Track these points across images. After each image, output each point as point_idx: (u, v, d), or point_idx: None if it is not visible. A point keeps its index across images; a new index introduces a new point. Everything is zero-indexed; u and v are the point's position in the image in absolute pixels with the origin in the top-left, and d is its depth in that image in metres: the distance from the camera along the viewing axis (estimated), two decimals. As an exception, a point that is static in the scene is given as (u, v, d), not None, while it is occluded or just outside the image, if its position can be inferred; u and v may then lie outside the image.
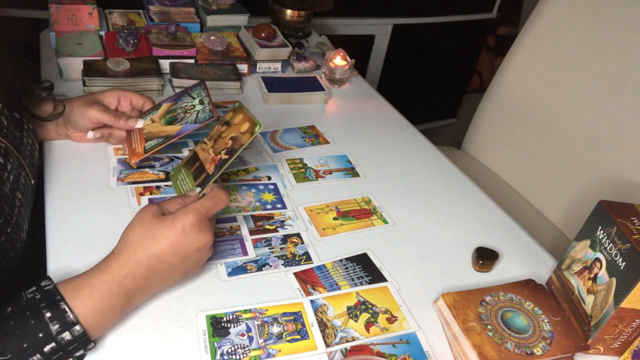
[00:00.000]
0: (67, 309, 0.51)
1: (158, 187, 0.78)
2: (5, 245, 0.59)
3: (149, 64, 1.04)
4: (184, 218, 0.58)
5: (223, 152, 0.68)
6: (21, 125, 0.72)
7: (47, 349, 0.50)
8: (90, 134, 0.83)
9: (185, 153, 0.87)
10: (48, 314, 0.50)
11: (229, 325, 0.61)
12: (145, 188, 0.78)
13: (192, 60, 1.11)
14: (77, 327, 0.51)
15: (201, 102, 0.83)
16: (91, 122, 0.80)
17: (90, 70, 0.98)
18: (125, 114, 0.82)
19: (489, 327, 0.62)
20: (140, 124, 0.82)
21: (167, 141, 0.79)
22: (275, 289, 0.66)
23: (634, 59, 1.04)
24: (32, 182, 0.70)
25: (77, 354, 0.52)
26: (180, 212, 0.58)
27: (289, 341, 0.60)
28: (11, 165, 0.64)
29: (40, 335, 0.49)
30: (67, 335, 0.51)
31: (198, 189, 0.66)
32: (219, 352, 0.57)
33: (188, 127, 0.80)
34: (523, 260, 0.78)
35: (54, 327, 0.50)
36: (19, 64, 0.74)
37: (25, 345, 0.49)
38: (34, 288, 0.52)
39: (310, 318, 0.63)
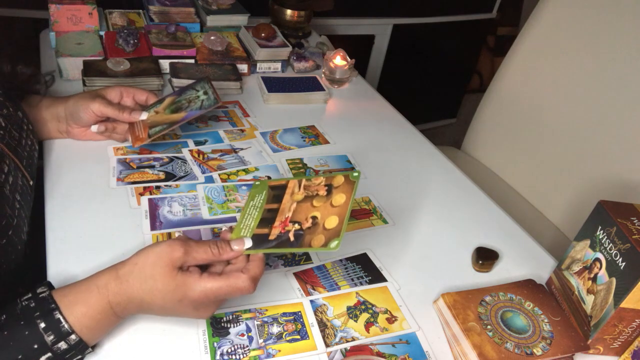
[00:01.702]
0: (61, 318, 0.50)
1: (158, 187, 0.79)
2: (7, 248, 0.59)
3: (149, 64, 1.04)
4: (189, 291, 0.53)
5: (295, 227, 0.57)
6: (21, 125, 0.72)
7: (43, 359, 0.49)
8: (94, 127, 0.83)
9: (185, 153, 0.87)
10: (42, 325, 0.49)
11: (228, 325, 0.61)
12: (145, 188, 0.78)
13: (192, 60, 1.11)
14: (73, 337, 0.50)
15: (205, 93, 0.85)
16: (95, 115, 0.81)
17: (90, 70, 0.98)
18: (129, 107, 0.83)
19: (488, 327, 0.62)
20: (144, 116, 0.84)
21: (172, 126, 0.80)
22: (275, 289, 0.66)
23: (634, 59, 1.04)
24: (31, 183, 0.70)
25: (75, 359, 0.52)
26: (191, 279, 0.53)
27: (289, 341, 0.60)
28: (8, 167, 0.64)
29: (35, 346, 0.49)
30: (63, 345, 0.50)
31: (249, 244, 0.57)
32: (218, 352, 0.57)
33: (193, 113, 0.82)
34: (523, 260, 0.78)
35: (49, 338, 0.49)
36: (18, 61, 0.75)
37: (20, 357, 0.48)
38: (30, 295, 0.51)
39: (310, 318, 0.63)
